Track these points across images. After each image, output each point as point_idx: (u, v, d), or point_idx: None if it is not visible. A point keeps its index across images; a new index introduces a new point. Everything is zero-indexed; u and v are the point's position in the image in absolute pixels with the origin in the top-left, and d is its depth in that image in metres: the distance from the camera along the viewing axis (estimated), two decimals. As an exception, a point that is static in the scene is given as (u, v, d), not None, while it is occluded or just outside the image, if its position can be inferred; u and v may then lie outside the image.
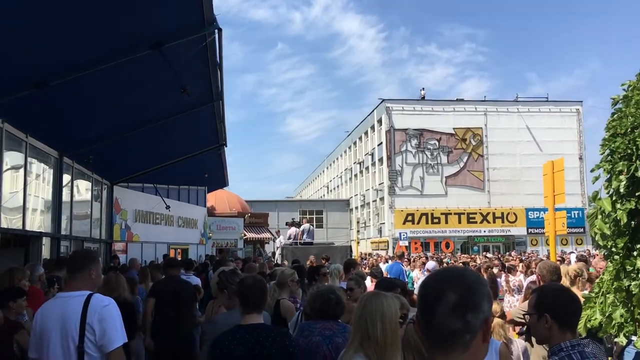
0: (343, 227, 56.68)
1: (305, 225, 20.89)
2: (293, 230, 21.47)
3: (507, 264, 13.02)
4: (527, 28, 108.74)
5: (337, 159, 66.57)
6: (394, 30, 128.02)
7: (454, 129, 47.72)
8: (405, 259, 16.89)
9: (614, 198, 3.26)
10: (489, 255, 27.17)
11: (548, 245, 46.25)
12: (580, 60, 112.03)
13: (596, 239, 3.48)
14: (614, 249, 3.28)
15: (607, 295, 3.22)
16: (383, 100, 48.29)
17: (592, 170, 3.63)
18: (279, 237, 23.28)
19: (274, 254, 22.58)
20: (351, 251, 19.22)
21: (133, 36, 7.50)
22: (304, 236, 20.43)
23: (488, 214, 47.33)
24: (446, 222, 46.99)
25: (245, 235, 25.74)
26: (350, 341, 2.94)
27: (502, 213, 47.37)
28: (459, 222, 47.12)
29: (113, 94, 9.18)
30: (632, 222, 3.16)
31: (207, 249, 21.48)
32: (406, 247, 39.46)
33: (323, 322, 4.16)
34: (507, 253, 35.35)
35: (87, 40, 7.19)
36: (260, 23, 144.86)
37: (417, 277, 14.98)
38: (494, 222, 47.36)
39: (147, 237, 16.60)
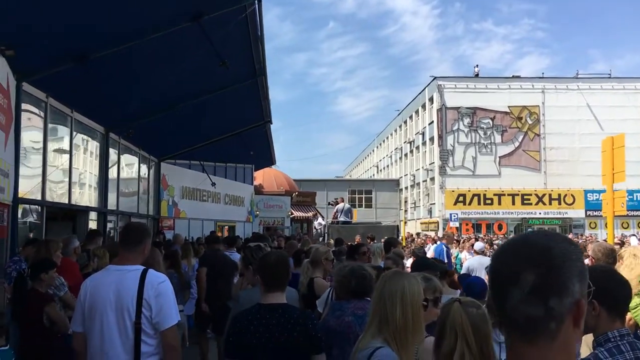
0: (392, 207, 56.17)
1: (340, 205, 20.60)
2: (334, 210, 21.26)
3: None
4: (589, 2, 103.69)
5: (387, 138, 65.79)
6: (449, 6, 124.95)
7: (509, 107, 46.17)
8: (455, 240, 16.41)
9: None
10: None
11: (607, 228, 44.78)
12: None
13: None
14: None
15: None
16: (435, 77, 47.14)
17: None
18: (317, 219, 23.17)
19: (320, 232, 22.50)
20: (398, 231, 18.91)
21: (173, 8, 7.37)
22: (340, 215, 20.07)
23: (544, 195, 45.80)
24: (499, 203, 45.75)
25: (292, 213, 25.74)
26: (368, 325, 2.69)
27: (559, 195, 45.75)
28: (513, 203, 45.79)
29: (154, 68, 9.14)
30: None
31: (254, 226, 21.57)
32: (457, 228, 38.68)
33: (355, 301, 3.94)
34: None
35: (126, 13, 7.10)
36: (311, 1, 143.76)
37: (465, 258, 14.55)
38: (550, 204, 45.81)
39: (194, 214, 16.74)
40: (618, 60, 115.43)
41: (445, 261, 11.40)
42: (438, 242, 17.86)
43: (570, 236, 30.83)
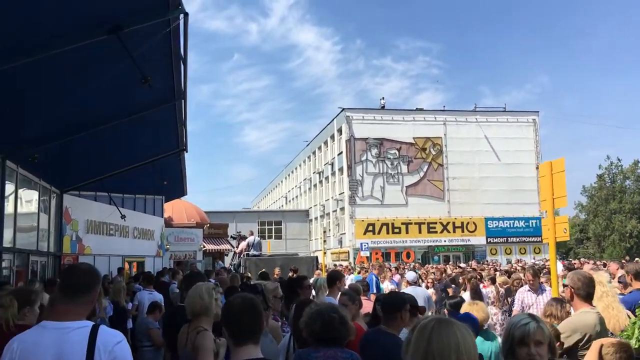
0: (302, 238, 55.90)
1: (251, 238, 20.19)
2: (244, 244, 20.69)
3: (484, 274, 12.51)
4: (478, 43, 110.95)
5: (296, 169, 65.82)
6: (350, 42, 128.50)
7: (414, 138, 47.69)
8: (389, 269, 16.22)
9: None
10: (462, 265, 26.78)
11: (507, 254, 46.87)
12: (530, 74, 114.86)
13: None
14: None
15: None
16: (343, 109, 47.89)
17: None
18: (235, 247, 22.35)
19: (236, 265, 21.66)
20: (317, 262, 18.47)
21: (87, 18, 6.58)
22: (251, 249, 19.65)
23: (448, 223, 47.36)
24: (407, 232, 46.76)
25: (204, 246, 24.64)
26: None
27: (462, 222, 47.48)
28: (420, 231, 46.95)
29: (61, 87, 8.19)
30: None
31: (164, 261, 20.32)
32: (367, 257, 38.93)
33: (325, 349, 3.39)
34: (468, 263, 35.25)
35: (29, 22, 6.24)
36: (216, 34, 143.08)
37: (387, 288, 14.29)
38: (454, 231, 47.42)
39: (100, 250, 15.40)
40: (505, 96, 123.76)
41: (375, 292, 11.06)
42: (358, 273, 17.59)
43: (472, 263, 31.80)
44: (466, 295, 8.37)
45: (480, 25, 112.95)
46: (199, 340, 3.69)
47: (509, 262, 39.55)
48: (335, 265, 25.97)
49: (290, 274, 13.71)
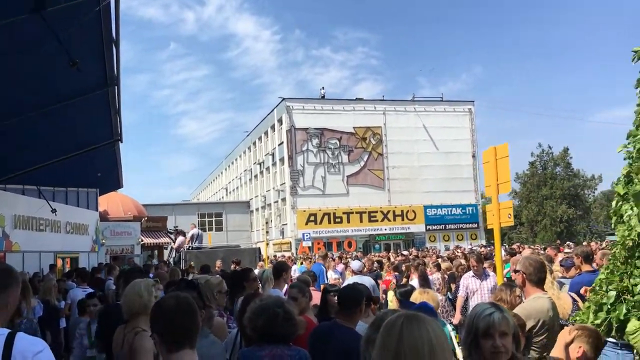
0: (244, 230, 55.35)
1: (194, 230, 19.95)
2: (181, 239, 20.29)
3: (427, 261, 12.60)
4: (416, 34, 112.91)
5: (236, 160, 65.00)
6: (289, 32, 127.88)
7: (354, 128, 47.93)
8: (332, 259, 16.10)
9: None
10: (404, 252, 27.06)
11: (445, 241, 47.95)
12: (465, 65, 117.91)
13: (635, 225, 2.77)
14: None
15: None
16: (283, 99, 47.54)
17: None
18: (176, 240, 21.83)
19: (175, 259, 21.11)
20: (260, 253, 18.19)
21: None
22: (194, 241, 19.43)
23: (388, 212, 47.98)
24: (348, 221, 47.06)
25: (142, 240, 23.84)
26: None
27: (402, 211, 48.21)
28: (361, 221, 47.36)
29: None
30: None
31: (100, 256, 19.49)
32: (309, 248, 38.93)
33: (270, 347, 3.17)
34: (408, 250, 35.80)
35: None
36: (151, 22, 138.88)
37: (331, 278, 14.19)
38: (394, 220, 48.09)
39: (29, 246, 14.52)
40: (441, 87, 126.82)
41: (326, 281, 10.93)
42: (303, 263, 17.44)
43: (412, 250, 32.26)
44: (414, 282, 8.34)
45: (416, 17, 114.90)
46: (137, 341, 3.39)
47: (447, 248, 40.53)
48: (275, 256, 25.74)
49: (233, 266, 13.40)
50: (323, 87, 49.74)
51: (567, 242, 30.02)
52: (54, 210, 14.88)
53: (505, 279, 8.45)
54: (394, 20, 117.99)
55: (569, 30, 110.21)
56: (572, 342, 2.98)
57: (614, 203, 3.95)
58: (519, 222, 49.12)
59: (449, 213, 49.34)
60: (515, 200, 50.01)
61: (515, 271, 3.93)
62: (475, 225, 49.74)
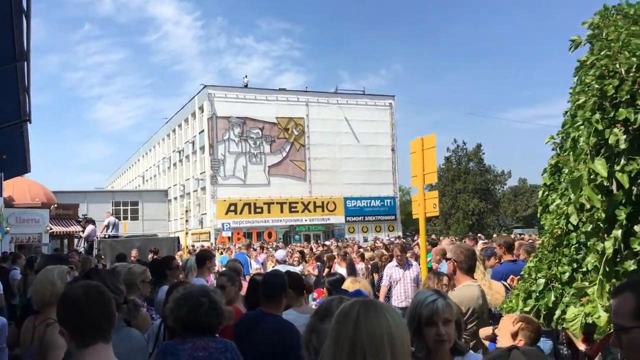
0: (161, 219, 53.77)
1: (110, 219, 19.34)
2: (91, 228, 19.55)
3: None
4: (340, 28, 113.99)
5: (154, 147, 63.03)
6: (211, 19, 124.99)
7: (276, 118, 47.69)
8: (253, 249, 15.82)
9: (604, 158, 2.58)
10: (327, 243, 27.20)
11: (364, 232, 48.79)
12: (386, 61, 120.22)
13: (571, 213, 2.80)
14: (601, 225, 2.60)
15: (605, 285, 2.53)
16: (205, 86, 46.50)
17: (560, 132, 3.04)
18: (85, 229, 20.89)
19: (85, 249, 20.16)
20: (179, 243, 17.67)
21: None
22: (109, 230, 18.87)
23: (309, 203, 48.19)
24: (269, 211, 46.85)
25: (51, 228, 22.53)
26: None
27: (323, 202, 48.56)
28: (281, 211, 47.28)
29: None
30: (634, 189, 2.49)
31: (4, 245, 18.19)
32: (229, 238, 38.44)
33: (194, 339, 2.98)
34: (328, 240, 36.13)
35: None
36: (64, 1, 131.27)
37: (253, 268, 14.01)
38: (315, 211, 48.37)
39: None
40: (362, 81, 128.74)
41: (251, 271, 10.70)
42: (223, 253, 17.13)
43: (332, 241, 32.60)
44: (342, 271, 8.33)
45: (339, 10, 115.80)
46: (48, 334, 3.09)
47: (365, 240, 41.28)
48: (194, 246, 25.14)
49: (151, 255, 12.91)
50: (246, 76, 48.94)
51: (479, 235, 31.37)
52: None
53: (419, 267, 8.63)
54: (317, 12, 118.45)
55: (483, 31, 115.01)
56: (516, 333, 3.00)
57: (540, 193, 4.01)
58: (434, 215, 50.62)
59: (368, 205, 50.22)
60: (432, 193, 51.68)
61: (447, 259, 3.94)
62: (393, 217, 50.96)
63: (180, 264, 6.02)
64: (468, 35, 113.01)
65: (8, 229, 19.16)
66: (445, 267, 7.79)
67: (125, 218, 51.39)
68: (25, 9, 7.43)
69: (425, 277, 5.83)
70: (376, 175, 50.05)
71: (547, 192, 3.79)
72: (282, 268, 8.26)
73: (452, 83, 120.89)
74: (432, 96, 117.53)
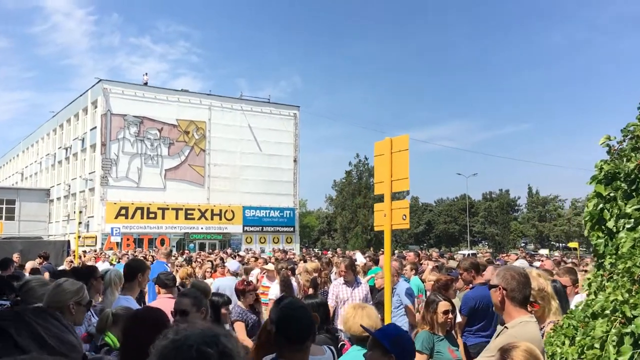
0: (40, 220, 49.38)
1: None
2: None
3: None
4: (240, 36, 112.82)
5: (37, 142, 58.00)
6: (106, 15, 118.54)
7: (177, 120, 45.51)
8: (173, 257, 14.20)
9: None
10: (241, 253, 25.75)
11: (261, 243, 47.62)
12: (285, 73, 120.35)
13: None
14: None
15: None
16: (100, 80, 43.39)
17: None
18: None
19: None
20: (69, 247, 15.70)
21: None
22: None
23: (206, 210, 46.32)
24: (163, 217, 44.41)
25: None
26: None
27: (221, 210, 46.89)
28: (177, 217, 45.03)
29: None
30: None
31: None
32: (117, 243, 35.88)
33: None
34: (223, 250, 34.67)
35: None
36: None
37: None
38: (212, 219, 46.57)
39: None
40: (259, 92, 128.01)
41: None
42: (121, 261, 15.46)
43: (229, 251, 31.18)
44: (274, 288, 7.29)
45: (239, 18, 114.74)
46: None
47: (262, 250, 40.13)
48: (85, 252, 22.79)
49: (39, 261, 11.10)
50: (146, 74, 46.35)
51: (381, 250, 31.43)
52: None
53: (368, 286, 7.84)
54: (217, 18, 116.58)
55: (376, 51, 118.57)
56: None
57: (589, 205, 3.29)
58: (333, 229, 50.64)
59: (267, 215, 49.19)
60: (331, 207, 51.66)
61: (492, 286, 3.07)
62: (292, 229, 50.27)
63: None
64: (364, 54, 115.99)
65: None
66: (402, 286, 7.05)
67: (-1, 217, 46.71)
68: None
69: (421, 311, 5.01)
70: (276, 186, 49.16)
71: (601, 205, 3.11)
72: (231, 281, 7.16)
73: (347, 99, 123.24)
74: (327, 111, 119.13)
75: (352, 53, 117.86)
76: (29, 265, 9.49)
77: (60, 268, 10.91)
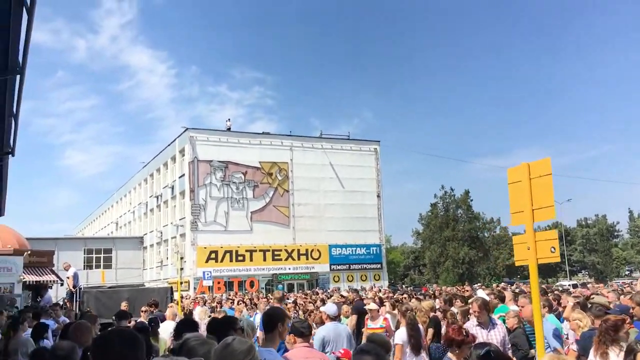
0: (135, 267, 51.11)
1: (72, 270, 17.69)
2: (73, 271, 17.83)
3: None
4: (311, 77, 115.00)
5: (130, 192, 60.73)
6: (185, 68, 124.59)
7: (260, 162, 46.27)
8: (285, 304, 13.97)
9: None
10: (343, 293, 25.31)
11: (349, 281, 46.93)
12: (356, 109, 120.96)
13: None
14: None
15: None
16: (187, 129, 45.02)
17: None
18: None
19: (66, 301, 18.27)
20: (172, 293, 15.83)
21: None
22: (75, 281, 17.20)
23: (293, 250, 46.35)
24: (251, 259, 44.82)
25: (23, 278, 20.40)
26: None
27: (307, 250, 46.79)
28: (264, 259, 45.30)
29: None
30: None
31: (-30, 297, 16.13)
32: (209, 287, 36.33)
33: None
34: (312, 290, 34.33)
35: None
36: (39, 47, 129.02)
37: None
38: (299, 258, 46.51)
39: None
40: (335, 130, 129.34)
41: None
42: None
43: (318, 290, 30.69)
44: (401, 332, 6.71)
45: (310, 60, 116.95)
46: None
47: (350, 289, 39.38)
48: (182, 297, 23.06)
49: (148, 309, 11.10)
50: (229, 119, 47.68)
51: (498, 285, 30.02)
52: None
53: (505, 327, 7.10)
54: (288, 63, 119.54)
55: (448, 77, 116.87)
56: None
57: None
58: (422, 264, 49.28)
59: (353, 253, 48.60)
60: (419, 241, 50.43)
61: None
62: (379, 266, 49.34)
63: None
64: (432, 89, 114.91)
65: (-23, 277, 17.14)
66: (547, 327, 6.33)
67: (97, 266, 48.82)
68: (27, 3, 6.00)
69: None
70: (361, 222, 48.62)
71: None
72: (334, 327, 6.71)
73: (419, 133, 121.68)
74: (398, 144, 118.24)
75: (423, 85, 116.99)
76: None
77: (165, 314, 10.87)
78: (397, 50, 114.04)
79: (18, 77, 7.54)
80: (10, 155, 11.10)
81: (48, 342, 8.91)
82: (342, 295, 16.00)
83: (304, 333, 4.58)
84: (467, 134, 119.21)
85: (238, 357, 2.64)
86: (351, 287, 42.80)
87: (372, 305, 9.28)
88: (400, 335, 6.76)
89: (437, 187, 54.12)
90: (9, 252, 20.51)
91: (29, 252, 22.61)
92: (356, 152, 50.19)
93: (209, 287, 36.40)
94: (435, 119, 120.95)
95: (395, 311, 9.14)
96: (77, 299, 15.19)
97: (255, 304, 13.94)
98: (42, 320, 8.88)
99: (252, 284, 43.44)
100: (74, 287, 17.06)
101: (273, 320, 4.17)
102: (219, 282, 41.50)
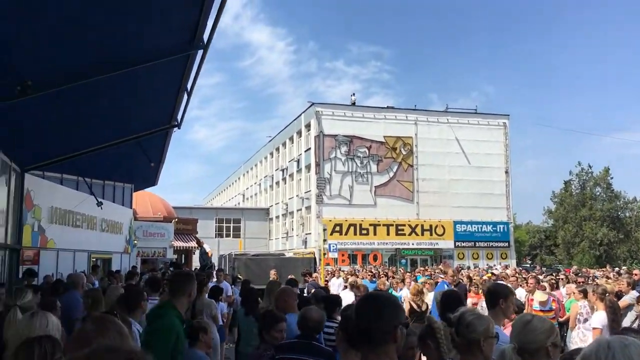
0: (262, 238, 53.40)
1: (207, 246, 18.37)
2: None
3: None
4: (428, 51, 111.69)
5: (256, 165, 63.12)
6: (303, 44, 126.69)
7: (384, 137, 46.01)
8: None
9: None
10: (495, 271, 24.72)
11: (474, 259, 45.73)
12: (476, 83, 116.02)
13: None
14: None
15: None
16: (313, 103, 45.70)
17: None
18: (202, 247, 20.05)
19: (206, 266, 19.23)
20: (316, 263, 16.21)
21: None
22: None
23: (416, 226, 45.89)
24: (374, 233, 44.98)
25: (173, 243, 21.95)
26: None
27: (431, 225, 46.12)
28: (387, 233, 45.28)
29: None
30: None
31: (132, 259, 17.57)
32: (334, 259, 36.96)
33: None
34: (435, 266, 33.74)
35: None
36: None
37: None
38: (422, 234, 45.98)
39: (64, 244, 12.61)
40: (452, 104, 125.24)
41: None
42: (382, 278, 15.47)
43: (441, 266, 30.05)
44: (599, 315, 6.29)
45: (428, 33, 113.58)
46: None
47: (476, 266, 38.30)
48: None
49: (306, 277, 11.37)
50: (354, 94, 47.78)
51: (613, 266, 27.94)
52: (100, 204, 12.99)
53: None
54: (406, 35, 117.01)
55: (584, 49, 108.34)
56: None
57: None
58: (553, 244, 46.72)
59: (479, 230, 47.19)
60: (550, 220, 47.77)
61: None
62: (507, 244, 47.56)
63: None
64: (560, 60, 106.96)
65: (136, 242, 18.61)
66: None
67: (227, 235, 51.57)
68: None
69: None
70: (488, 199, 46.96)
71: None
72: None
73: (544, 106, 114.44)
74: (524, 118, 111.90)
75: (548, 58, 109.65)
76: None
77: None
78: (521, 20, 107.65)
79: (200, 52, 7.86)
80: (177, 128, 11.75)
81: (223, 305, 9.43)
82: (492, 274, 15.46)
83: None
84: (605, 108, 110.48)
85: (541, 335, 2.48)
86: (475, 264, 41.79)
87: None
88: (600, 319, 6.33)
89: (562, 164, 50.78)
90: (159, 219, 22.15)
91: (177, 219, 24.28)
92: (484, 126, 48.31)
93: (334, 259, 37.04)
94: (566, 93, 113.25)
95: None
96: (231, 265, 15.95)
97: (403, 280, 13.82)
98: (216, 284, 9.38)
99: (375, 258, 43.70)
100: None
101: (494, 297, 3.99)
102: (342, 255, 42.15)
